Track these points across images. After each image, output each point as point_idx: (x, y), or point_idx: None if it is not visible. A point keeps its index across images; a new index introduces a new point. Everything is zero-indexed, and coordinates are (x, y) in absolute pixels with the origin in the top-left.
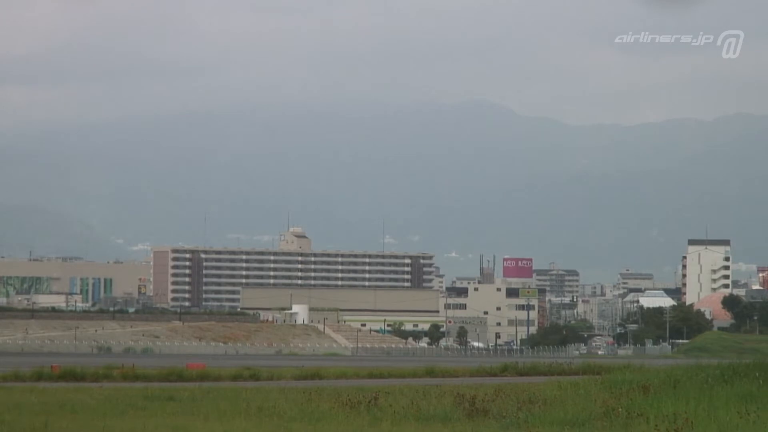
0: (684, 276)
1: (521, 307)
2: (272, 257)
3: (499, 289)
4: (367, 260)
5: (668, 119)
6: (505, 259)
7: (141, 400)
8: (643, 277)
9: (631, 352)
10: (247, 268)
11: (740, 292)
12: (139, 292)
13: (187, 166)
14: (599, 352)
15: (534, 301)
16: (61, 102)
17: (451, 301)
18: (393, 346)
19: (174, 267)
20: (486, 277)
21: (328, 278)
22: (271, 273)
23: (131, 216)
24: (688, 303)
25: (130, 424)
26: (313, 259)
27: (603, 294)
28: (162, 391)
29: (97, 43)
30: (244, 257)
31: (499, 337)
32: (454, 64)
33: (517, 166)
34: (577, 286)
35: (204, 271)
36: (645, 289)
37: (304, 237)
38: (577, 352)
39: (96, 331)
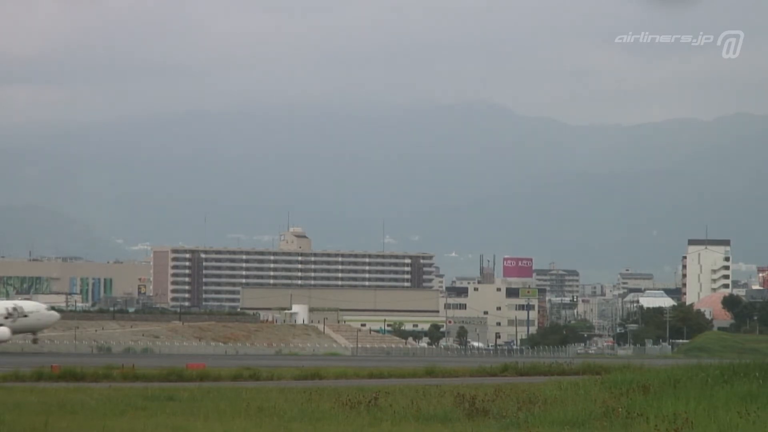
0: (684, 276)
1: (521, 307)
2: (272, 257)
3: (499, 289)
4: (367, 260)
5: (668, 119)
6: (505, 259)
7: (141, 400)
8: (643, 277)
9: (631, 352)
10: (247, 268)
11: (740, 292)
12: (139, 292)
13: (187, 166)
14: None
15: (534, 301)
16: (63, 102)
17: (451, 301)
18: (393, 346)
19: (174, 267)
20: (486, 277)
21: (328, 278)
22: (271, 273)
23: (131, 216)
24: (688, 303)
25: (130, 424)
26: (313, 259)
27: (603, 294)
28: (162, 391)
29: (100, 44)
30: (244, 257)
31: (499, 337)
32: (455, 64)
33: (517, 166)
34: (577, 286)
35: (204, 271)
36: (645, 289)
37: (304, 237)
38: (580, 351)
39: (96, 331)
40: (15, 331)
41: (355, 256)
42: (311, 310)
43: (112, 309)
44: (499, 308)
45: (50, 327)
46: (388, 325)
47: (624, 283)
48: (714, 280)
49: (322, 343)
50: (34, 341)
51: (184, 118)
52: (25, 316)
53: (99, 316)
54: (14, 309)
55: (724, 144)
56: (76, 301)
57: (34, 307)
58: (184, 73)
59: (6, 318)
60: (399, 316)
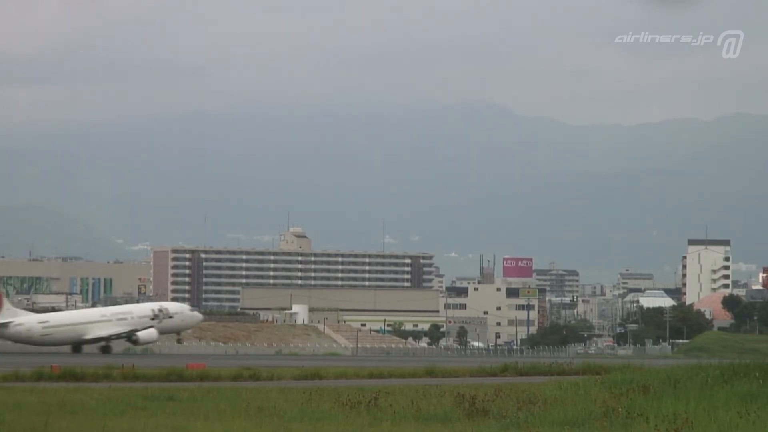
0: (684, 276)
1: (521, 307)
2: (272, 257)
3: (499, 289)
4: (367, 260)
5: (668, 119)
6: (505, 259)
7: (141, 400)
8: (643, 277)
9: (631, 352)
10: (247, 268)
11: (740, 292)
12: (139, 292)
13: (187, 166)
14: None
15: (534, 301)
16: (63, 102)
17: (451, 301)
18: (393, 346)
19: (174, 267)
20: (486, 277)
21: (328, 278)
22: (271, 273)
23: (131, 216)
24: (688, 303)
25: (130, 424)
26: (313, 259)
27: (603, 294)
28: (162, 391)
29: (100, 44)
30: (244, 257)
31: (499, 337)
32: (454, 64)
33: (517, 167)
34: (577, 286)
35: (204, 271)
36: (645, 289)
37: (304, 237)
38: (580, 351)
39: None
40: (161, 332)
41: (355, 256)
42: (311, 310)
43: None
44: (499, 308)
45: (194, 328)
46: (388, 325)
47: (624, 283)
48: (714, 280)
49: (322, 343)
50: (179, 341)
51: (184, 118)
52: (171, 317)
53: None
54: (160, 310)
55: (724, 144)
56: (76, 302)
57: (178, 308)
58: (184, 73)
59: (152, 319)
60: (399, 316)
